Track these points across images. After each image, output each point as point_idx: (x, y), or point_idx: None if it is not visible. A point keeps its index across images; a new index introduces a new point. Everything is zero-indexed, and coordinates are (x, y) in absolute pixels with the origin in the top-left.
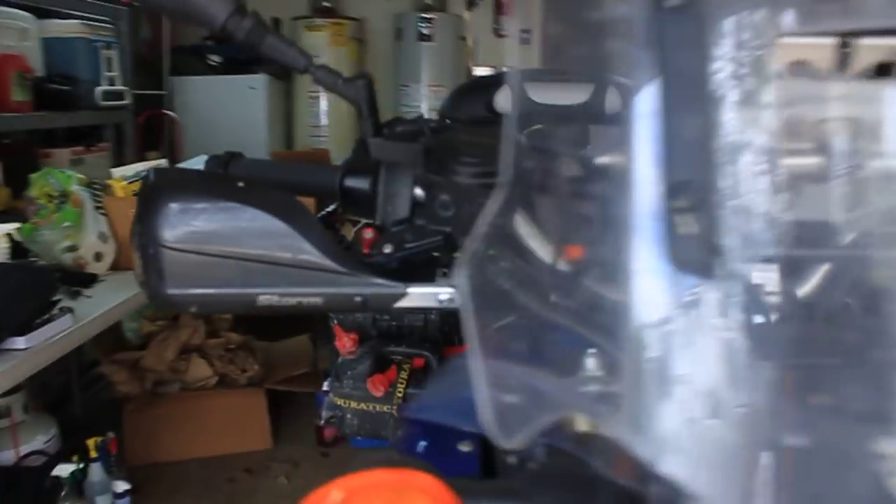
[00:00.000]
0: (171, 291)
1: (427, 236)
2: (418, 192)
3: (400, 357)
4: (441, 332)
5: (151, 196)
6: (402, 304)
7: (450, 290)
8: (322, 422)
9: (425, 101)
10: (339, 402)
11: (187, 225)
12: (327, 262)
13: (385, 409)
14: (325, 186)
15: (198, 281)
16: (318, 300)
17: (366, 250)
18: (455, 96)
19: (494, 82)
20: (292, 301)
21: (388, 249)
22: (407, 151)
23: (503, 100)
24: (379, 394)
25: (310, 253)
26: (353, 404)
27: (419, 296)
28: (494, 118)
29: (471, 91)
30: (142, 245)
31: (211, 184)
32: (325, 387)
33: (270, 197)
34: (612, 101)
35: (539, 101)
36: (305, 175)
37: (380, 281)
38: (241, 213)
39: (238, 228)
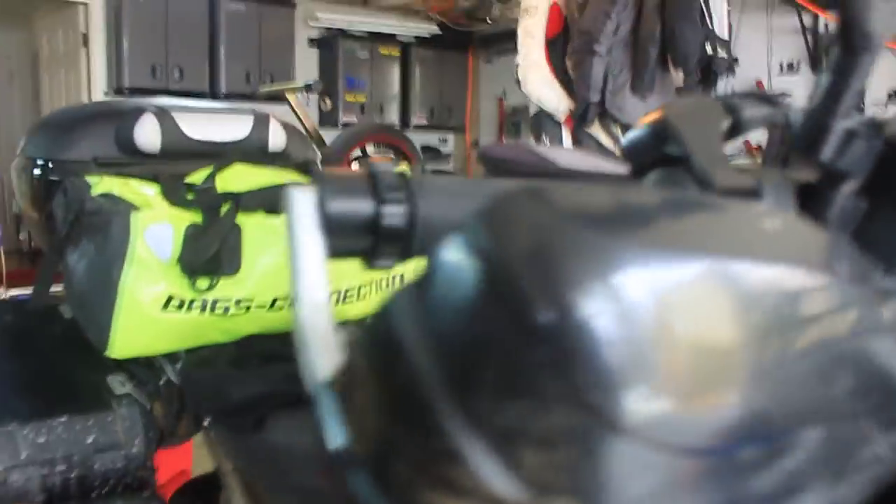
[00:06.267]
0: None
1: None
2: None
3: None
4: None
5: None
6: None
7: None
8: None
9: None
10: None
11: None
12: None
13: None
14: None
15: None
16: None
17: None
18: (60, 133)
19: (115, 112)
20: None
21: None
22: None
23: (149, 134)
24: None
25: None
26: None
27: None
28: (133, 158)
29: (76, 125)
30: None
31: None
32: None
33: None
34: (276, 135)
35: (193, 137)
36: None
37: None
38: None
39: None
